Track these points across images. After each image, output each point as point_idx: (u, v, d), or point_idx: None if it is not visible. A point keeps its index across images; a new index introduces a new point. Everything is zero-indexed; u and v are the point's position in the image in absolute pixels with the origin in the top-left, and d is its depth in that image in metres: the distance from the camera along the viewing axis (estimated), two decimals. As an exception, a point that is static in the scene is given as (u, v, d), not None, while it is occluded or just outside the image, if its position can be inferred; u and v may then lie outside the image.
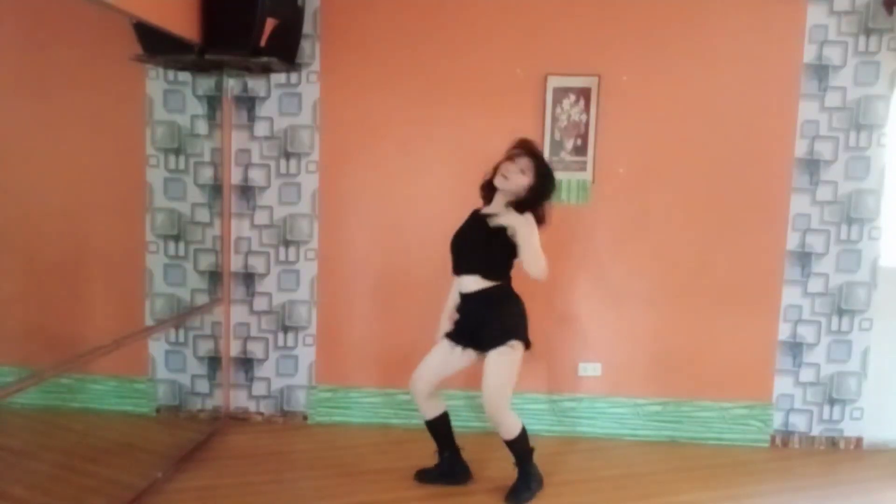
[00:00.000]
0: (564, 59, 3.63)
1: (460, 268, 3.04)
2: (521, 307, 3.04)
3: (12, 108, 2.73)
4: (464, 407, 3.77)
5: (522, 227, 2.86)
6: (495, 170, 2.96)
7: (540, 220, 2.94)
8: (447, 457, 3.19)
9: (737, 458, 3.61)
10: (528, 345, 3.00)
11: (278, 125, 3.75)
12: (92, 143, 3.19)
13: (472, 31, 3.65)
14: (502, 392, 2.96)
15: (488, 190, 3.04)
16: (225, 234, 3.76)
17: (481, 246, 2.99)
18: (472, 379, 3.68)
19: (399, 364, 3.70)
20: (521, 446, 3.05)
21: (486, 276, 2.99)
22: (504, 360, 2.95)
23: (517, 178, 2.90)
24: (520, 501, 3.03)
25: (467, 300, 3.04)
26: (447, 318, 3.14)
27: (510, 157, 2.95)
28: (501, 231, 2.89)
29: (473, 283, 3.00)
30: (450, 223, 3.72)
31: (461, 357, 3.08)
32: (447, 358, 3.09)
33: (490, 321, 2.97)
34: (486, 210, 3.04)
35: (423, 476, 3.21)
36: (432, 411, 3.15)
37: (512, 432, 3.01)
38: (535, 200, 2.92)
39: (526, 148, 2.97)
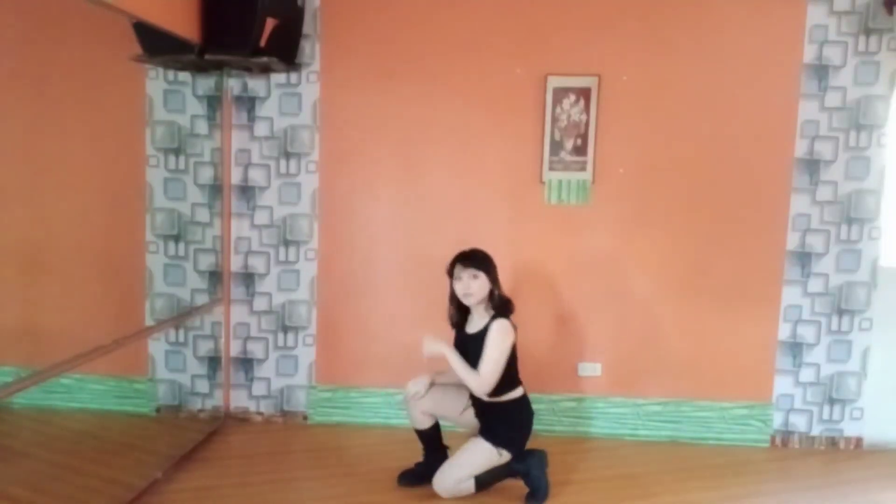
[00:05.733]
0: (564, 59, 3.63)
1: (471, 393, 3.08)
2: (527, 419, 3.09)
3: (12, 108, 2.73)
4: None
5: (493, 331, 2.95)
6: (454, 300, 3.04)
7: (509, 308, 3.04)
8: (431, 458, 3.18)
9: (737, 458, 3.61)
10: (514, 455, 3.04)
11: (278, 125, 3.75)
12: (92, 143, 3.18)
13: (472, 31, 3.65)
14: (461, 484, 3.00)
15: (460, 317, 3.08)
16: (225, 234, 3.77)
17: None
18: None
19: (399, 364, 3.70)
20: (493, 478, 3.05)
21: (492, 395, 3.02)
22: (486, 456, 2.99)
23: (477, 286, 2.97)
24: (544, 499, 3.05)
25: (481, 403, 3.08)
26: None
27: (455, 278, 3.01)
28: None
29: (486, 398, 3.04)
30: (450, 223, 3.75)
31: (462, 410, 3.12)
32: (455, 398, 3.12)
33: (496, 420, 3.03)
34: (473, 329, 3.04)
35: (406, 478, 3.19)
36: (425, 423, 3.16)
37: (468, 492, 3.03)
38: (498, 288, 3.02)
39: (454, 262, 3.02)
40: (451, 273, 3.04)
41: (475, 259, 3.00)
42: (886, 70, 3.59)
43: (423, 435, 3.18)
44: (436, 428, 3.19)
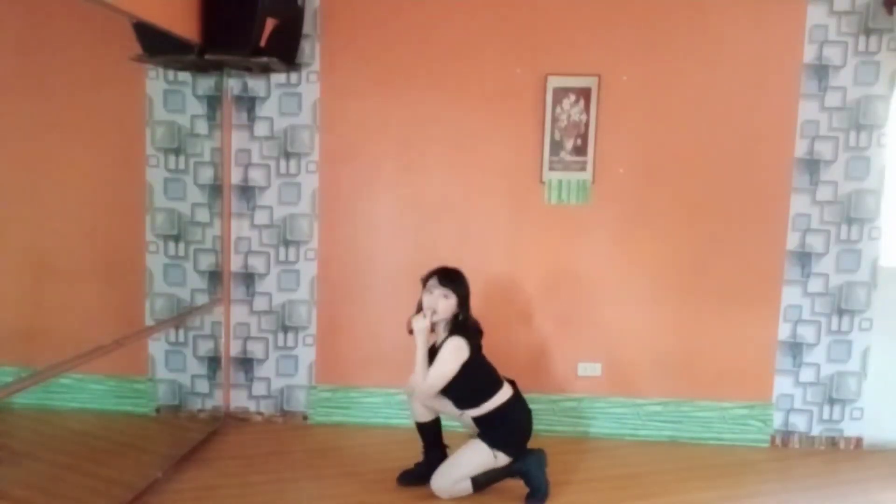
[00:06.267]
0: (564, 59, 3.63)
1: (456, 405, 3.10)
2: (522, 421, 3.08)
3: (12, 108, 2.72)
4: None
5: (446, 347, 2.97)
6: (419, 310, 3.03)
7: (478, 331, 3.04)
8: (431, 457, 3.17)
9: (737, 458, 3.61)
10: (513, 458, 3.03)
11: (278, 125, 3.75)
12: (92, 143, 3.18)
13: (472, 31, 3.65)
14: (458, 484, 3.01)
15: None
16: (225, 234, 3.77)
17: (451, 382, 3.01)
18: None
19: (399, 364, 3.70)
20: (491, 479, 3.05)
21: (468, 405, 3.04)
22: (482, 457, 2.99)
23: (445, 304, 2.98)
24: (544, 499, 3.05)
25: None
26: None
27: (426, 291, 3.01)
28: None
29: (470, 412, 3.05)
30: (449, 222, 3.75)
31: (460, 412, 3.11)
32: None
33: (491, 425, 3.03)
34: (436, 343, 3.06)
35: (406, 478, 3.19)
36: (426, 416, 3.17)
37: (465, 492, 3.03)
38: (466, 314, 3.01)
39: (431, 274, 3.02)
40: (424, 283, 3.04)
41: (451, 279, 3.00)
42: (886, 70, 3.59)
43: (423, 429, 3.18)
44: (436, 423, 3.19)
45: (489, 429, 3.03)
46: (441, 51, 3.67)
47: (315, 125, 3.75)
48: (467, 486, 3.02)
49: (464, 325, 3.02)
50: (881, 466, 3.57)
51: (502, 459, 3.01)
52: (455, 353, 2.97)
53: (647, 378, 3.79)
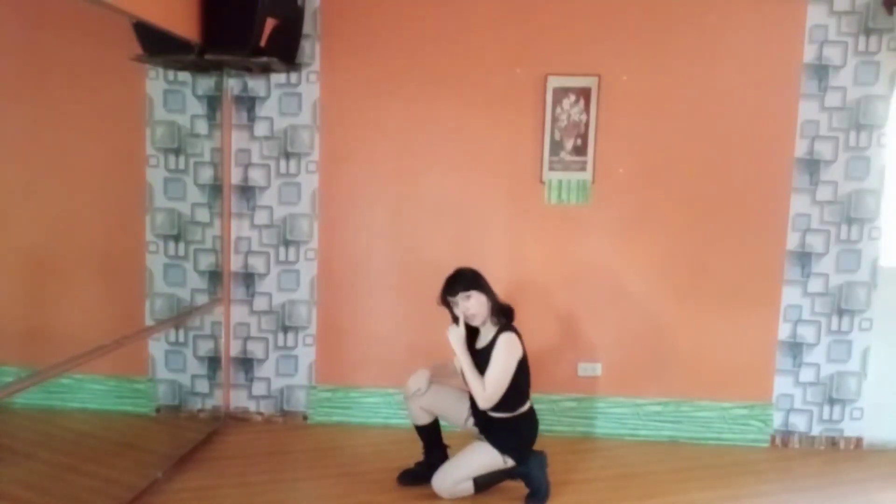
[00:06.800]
0: (564, 59, 3.63)
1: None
2: (533, 431, 3.06)
3: (12, 108, 2.73)
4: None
5: (499, 346, 2.90)
6: (455, 320, 2.98)
7: (511, 314, 3.01)
8: (432, 457, 3.17)
9: (737, 458, 3.61)
10: (518, 462, 3.01)
11: (278, 125, 3.75)
12: (92, 143, 3.19)
13: (472, 32, 3.65)
14: (460, 485, 3.00)
15: (469, 334, 2.99)
16: (225, 234, 3.77)
17: None
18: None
19: (399, 364, 3.70)
20: (492, 480, 3.04)
21: (498, 409, 2.98)
22: (488, 459, 2.98)
23: (475, 305, 2.92)
24: (544, 500, 3.05)
25: (488, 417, 3.03)
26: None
27: (451, 307, 2.98)
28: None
29: (494, 414, 3.01)
30: (449, 222, 3.75)
31: (465, 419, 3.10)
32: (456, 400, 3.11)
33: (503, 432, 3.00)
34: (482, 344, 3.01)
35: (406, 478, 3.19)
36: (424, 419, 3.16)
37: (467, 493, 3.03)
38: (494, 298, 2.97)
39: (444, 293, 2.97)
40: (444, 303, 2.99)
41: (462, 280, 2.96)
42: (886, 70, 3.59)
43: (422, 431, 3.18)
44: (435, 424, 3.19)
45: (502, 433, 3.00)
46: (441, 50, 3.67)
47: (315, 125, 3.75)
48: (469, 487, 3.01)
49: (501, 311, 2.97)
50: (881, 466, 3.57)
51: (510, 463, 3.00)
52: (509, 350, 2.91)
53: (647, 378, 3.79)
